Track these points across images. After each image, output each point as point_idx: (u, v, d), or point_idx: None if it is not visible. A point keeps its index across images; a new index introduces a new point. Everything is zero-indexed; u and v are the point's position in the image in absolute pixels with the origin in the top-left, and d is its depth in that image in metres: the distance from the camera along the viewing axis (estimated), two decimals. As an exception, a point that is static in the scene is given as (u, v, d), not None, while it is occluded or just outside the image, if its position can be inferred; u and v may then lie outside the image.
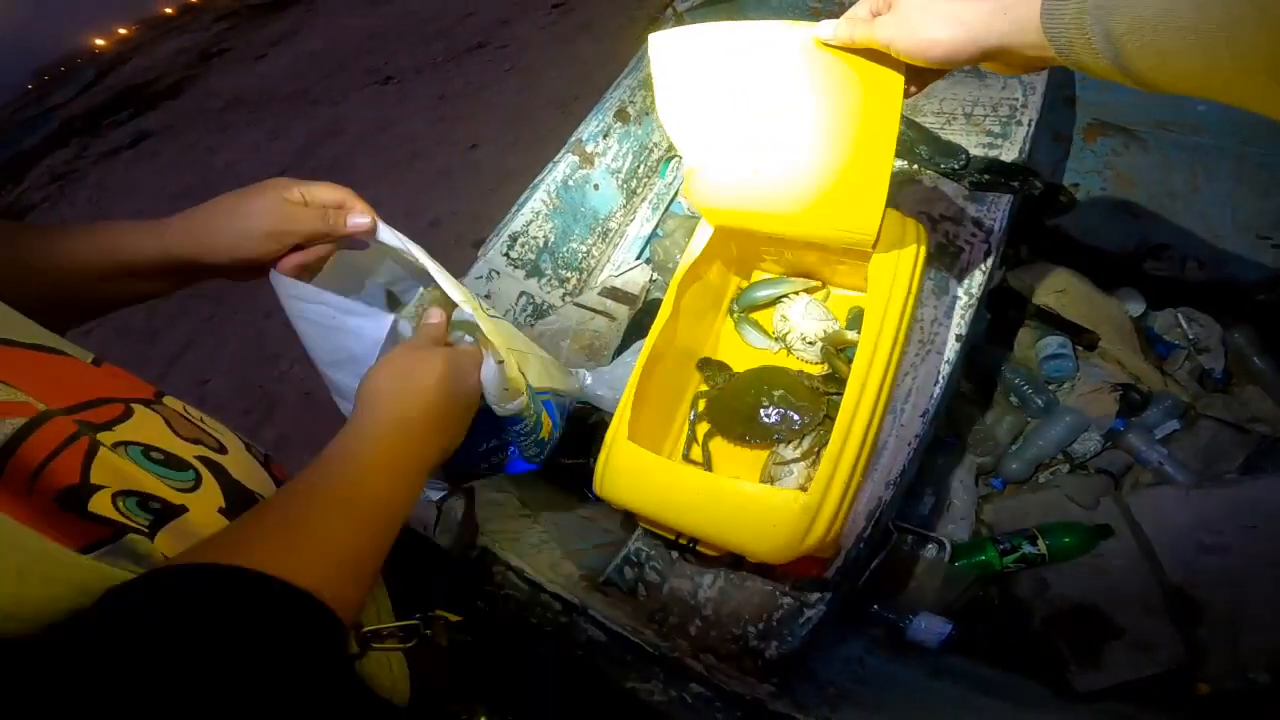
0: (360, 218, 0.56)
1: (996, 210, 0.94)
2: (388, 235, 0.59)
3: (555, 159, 1.24)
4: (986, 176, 0.95)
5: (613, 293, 1.25)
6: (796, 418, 0.85)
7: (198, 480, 0.44)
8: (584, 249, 1.29)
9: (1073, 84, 1.34)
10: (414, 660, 0.53)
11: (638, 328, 1.15)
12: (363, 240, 0.59)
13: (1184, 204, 1.32)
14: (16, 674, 0.29)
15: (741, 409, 0.87)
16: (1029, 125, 0.99)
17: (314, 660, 0.36)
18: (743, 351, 0.98)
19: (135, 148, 6.58)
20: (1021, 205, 0.98)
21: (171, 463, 0.43)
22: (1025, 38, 0.48)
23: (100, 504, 0.37)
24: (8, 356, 0.39)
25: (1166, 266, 1.37)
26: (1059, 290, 1.37)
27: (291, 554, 0.37)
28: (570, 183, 1.24)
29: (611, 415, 0.83)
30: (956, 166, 0.97)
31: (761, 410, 0.86)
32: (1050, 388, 1.33)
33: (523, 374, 0.65)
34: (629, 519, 0.88)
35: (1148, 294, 1.38)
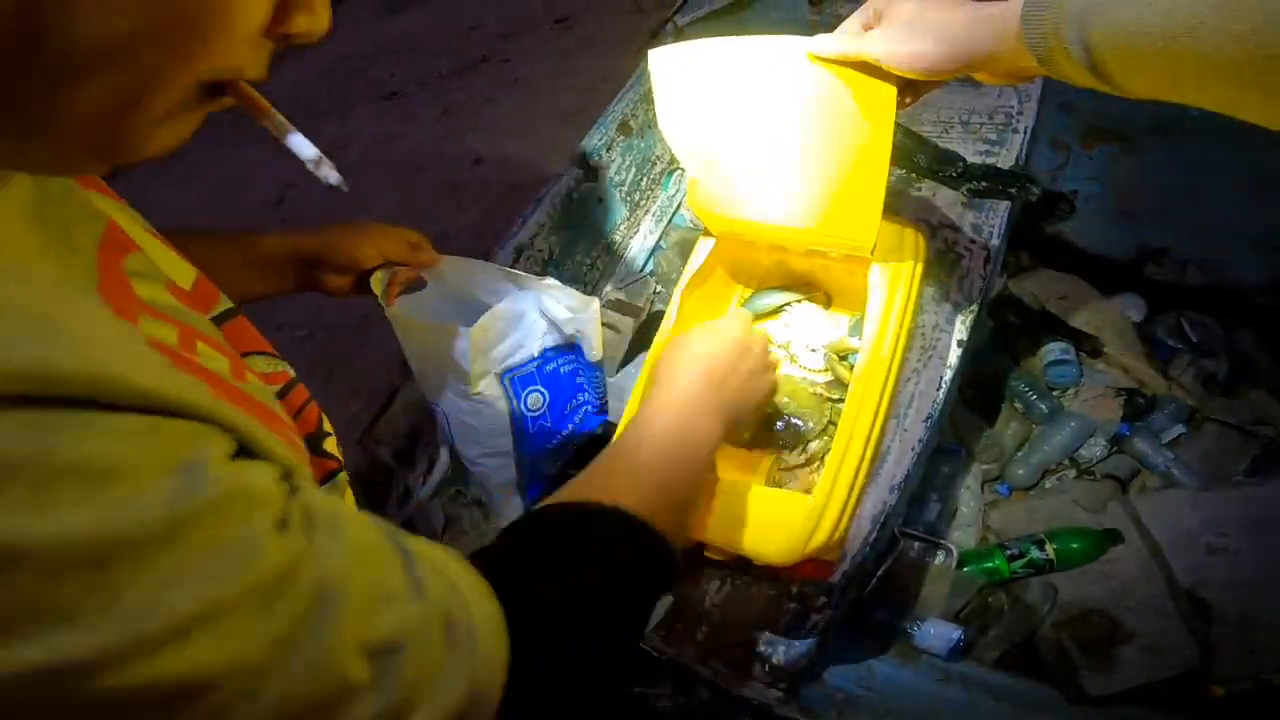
0: (429, 255, 0.79)
1: (995, 216, 0.94)
2: (458, 264, 0.81)
3: (560, 172, 1.26)
4: (984, 183, 0.96)
5: (617, 305, 1.26)
6: (800, 424, 0.85)
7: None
8: (589, 262, 1.30)
9: (1069, 91, 1.35)
10: None
11: (642, 339, 1.15)
12: (422, 281, 0.82)
13: (1183, 208, 1.32)
14: None
15: None
16: (1025, 132, 1.00)
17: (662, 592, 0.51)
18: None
19: (144, 163, 6.64)
20: (1020, 212, 0.99)
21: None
22: (1008, 48, 0.50)
23: (330, 446, 0.49)
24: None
25: (1167, 271, 1.37)
26: (1061, 297, 1.38)
27: (646, 499, 0.48)
28: (575, 196, 1.26)
29: (617, 426, 0.84)
30: (954, 174, 0.98)
31: (766, 416, 0.86)
32: (1054, 394, 1.34)
33: None
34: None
35: (1149, 299, 1.39)
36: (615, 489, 0.48)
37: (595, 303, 0.82)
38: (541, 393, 0.84)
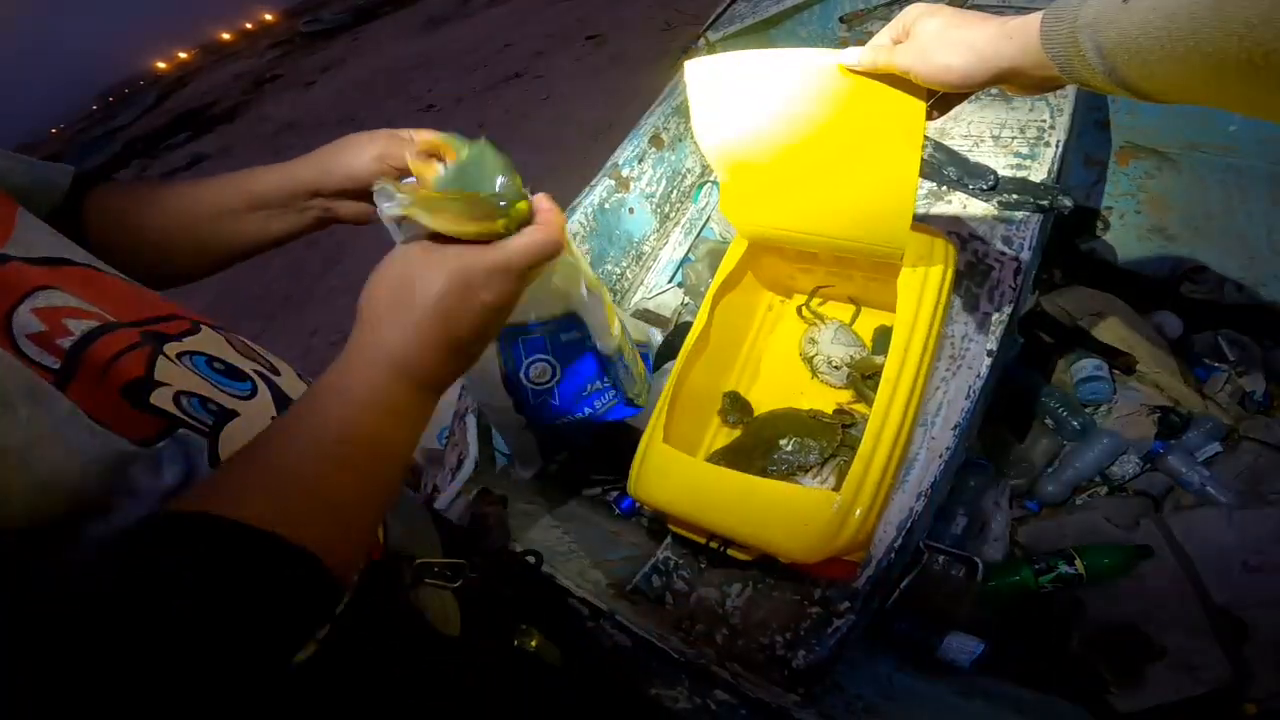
0: (436, 144, 0.64)
1: (1026, 229, 0.95)
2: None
3: (592, 183, 1.28)
4: (1015, 196, 0.96)
5: (645, 315, 1.28)
6: (814, 446, 0.87)
7: (254, 391, 0.47)
8: (618, 271, 1.32)
9: (1105, 108, 1.35)
10: (463, 598, 0.57)
11: (668, 349, 1.17)
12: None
13: (1220, 225, 1.30)
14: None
15: (760, 446, 0.90)
16: (1057, 146, 1.00)
17: (307, 616, 0.37)
18: (770, 368, 1.00)
19: (191, 169, 6.90)
20: (1053, 226, 0.99)
21: (231, 373, 0.47)
22: (1031, 59, 0.51)
23: (161, 398, 0.41)
24: (84, 276, 0.43)
25: (1204, 289, 1.35)
26: (1095, 313, 1.36)
27: (286, 506, 0.37)
28: (606, 206, 1.28)
29: (643, 432, 0.86)
30: (985, 187, 0.98)
31: (780, 441, 0.89)
32: (1087, 410, 1.32)
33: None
34: (656, 532, 0.90)
35: (1186, 317, 1.37)
36: (252, 491, 0.36)
37: (604, 288, 0.70)
38: (550, 364, 0.73)
